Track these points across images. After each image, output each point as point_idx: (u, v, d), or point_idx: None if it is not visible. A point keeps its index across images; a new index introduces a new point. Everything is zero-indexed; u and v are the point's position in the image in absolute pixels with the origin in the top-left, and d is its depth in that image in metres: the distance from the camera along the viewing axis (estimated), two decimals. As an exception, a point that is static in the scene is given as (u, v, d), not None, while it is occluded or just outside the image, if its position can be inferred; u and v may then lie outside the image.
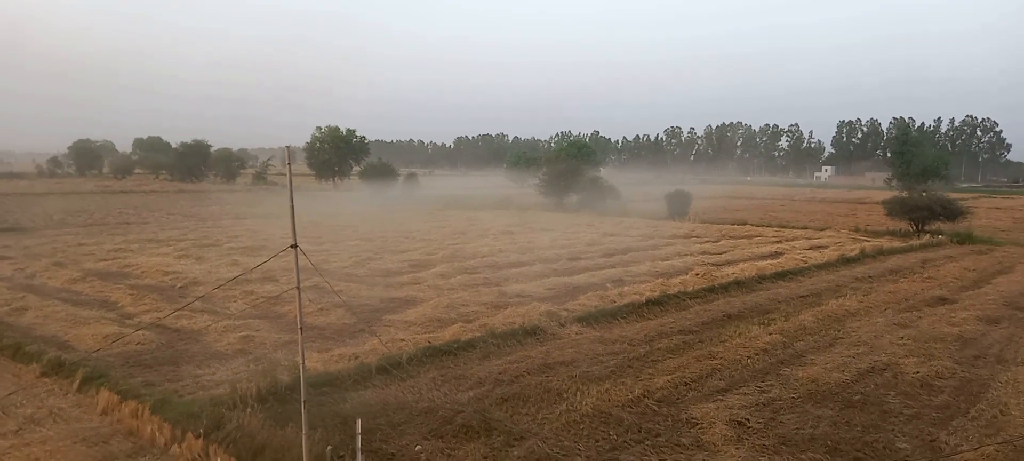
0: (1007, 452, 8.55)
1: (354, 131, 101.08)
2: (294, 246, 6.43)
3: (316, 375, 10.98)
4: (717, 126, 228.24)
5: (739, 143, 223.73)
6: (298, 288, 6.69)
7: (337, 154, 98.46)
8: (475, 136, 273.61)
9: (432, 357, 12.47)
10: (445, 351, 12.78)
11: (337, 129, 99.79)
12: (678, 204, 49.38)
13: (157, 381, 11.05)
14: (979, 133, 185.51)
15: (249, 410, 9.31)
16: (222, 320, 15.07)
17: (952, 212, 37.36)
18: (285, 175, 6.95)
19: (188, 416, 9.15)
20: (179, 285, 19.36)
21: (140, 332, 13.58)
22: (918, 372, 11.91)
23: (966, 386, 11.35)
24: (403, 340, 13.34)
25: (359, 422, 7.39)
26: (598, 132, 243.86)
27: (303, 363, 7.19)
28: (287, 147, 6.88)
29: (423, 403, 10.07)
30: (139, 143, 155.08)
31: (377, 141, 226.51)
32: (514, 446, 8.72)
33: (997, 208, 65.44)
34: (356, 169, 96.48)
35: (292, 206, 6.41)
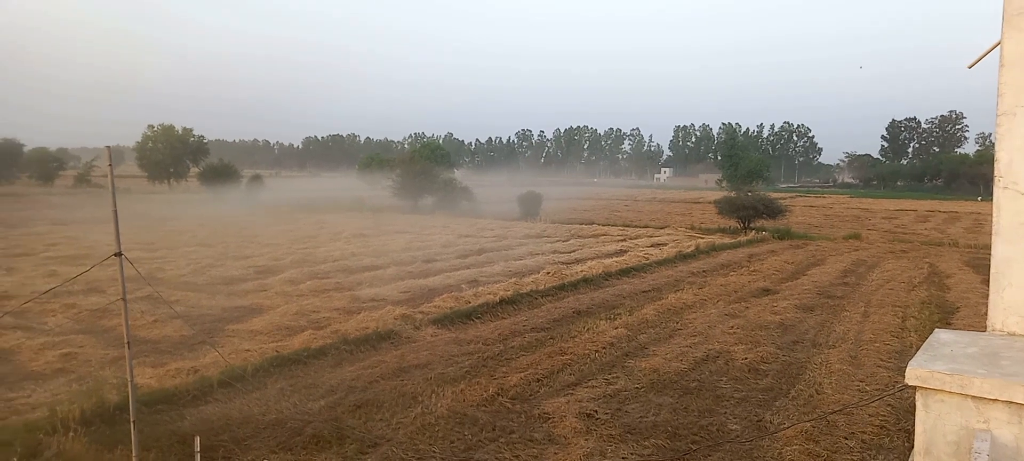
0: (821, 426, 9.49)
1: (191, 130, 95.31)
2: (118, 253, 5.89)
3: (150, 392, 10.16)
4: (565, 129, 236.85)
5: (586, 146, 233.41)
6: (124, 299, 6.14)
7: (172, 155, 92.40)
8: (325, 136, 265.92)
9: (280, 367, 11.92)
10: (294, 360, 12.26)
11: (172, 127, 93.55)
12: (530, 205, 50.66)
13: (-44, 410, 9.75)
14: (795, 138, 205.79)
15: (72, 434, 8.45)
16: (38, 337, 13.58)
17: (773, 211, 41.14)
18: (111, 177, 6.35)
19: (-3, 445, 8.17)
20: (-16, 300, 17.24)
21: (-67, 355, 11.94)
22: (746, 358, 12.94)
23: (787, 369, 12.48)
24: (248, 350, 12.66)
25: (198, 440, 6.89)
26: (451, 134, 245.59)
27: (132, 379, 6.62)
28: (107, 147, 6.31)
29: (270, 415, 9.61)
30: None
31: (218, 141, 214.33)
32: (367, 453, 8.52)
33: (811, 206, 72.83)
34: (194, 171, 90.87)
35: (115, 210, 5.87)
